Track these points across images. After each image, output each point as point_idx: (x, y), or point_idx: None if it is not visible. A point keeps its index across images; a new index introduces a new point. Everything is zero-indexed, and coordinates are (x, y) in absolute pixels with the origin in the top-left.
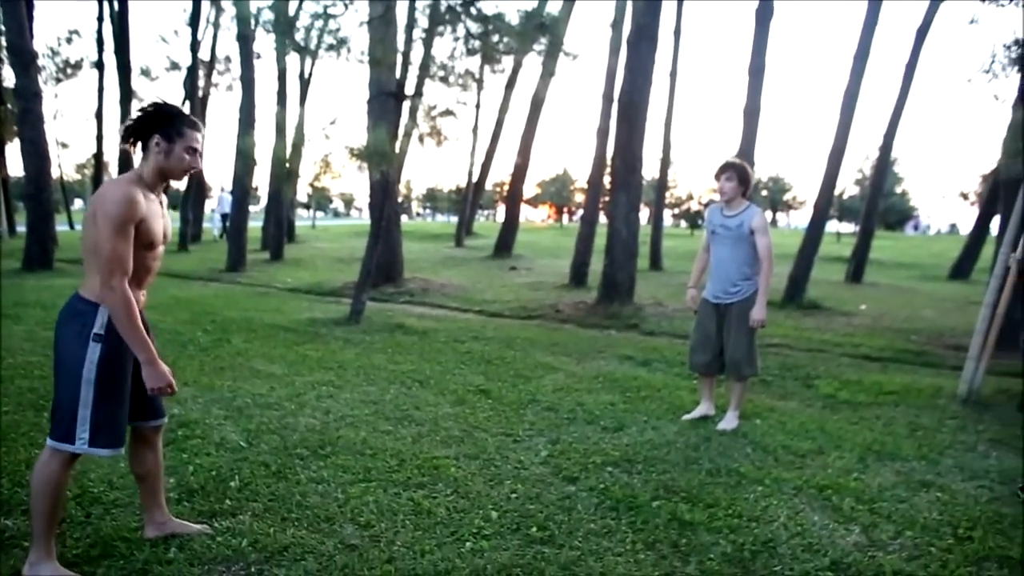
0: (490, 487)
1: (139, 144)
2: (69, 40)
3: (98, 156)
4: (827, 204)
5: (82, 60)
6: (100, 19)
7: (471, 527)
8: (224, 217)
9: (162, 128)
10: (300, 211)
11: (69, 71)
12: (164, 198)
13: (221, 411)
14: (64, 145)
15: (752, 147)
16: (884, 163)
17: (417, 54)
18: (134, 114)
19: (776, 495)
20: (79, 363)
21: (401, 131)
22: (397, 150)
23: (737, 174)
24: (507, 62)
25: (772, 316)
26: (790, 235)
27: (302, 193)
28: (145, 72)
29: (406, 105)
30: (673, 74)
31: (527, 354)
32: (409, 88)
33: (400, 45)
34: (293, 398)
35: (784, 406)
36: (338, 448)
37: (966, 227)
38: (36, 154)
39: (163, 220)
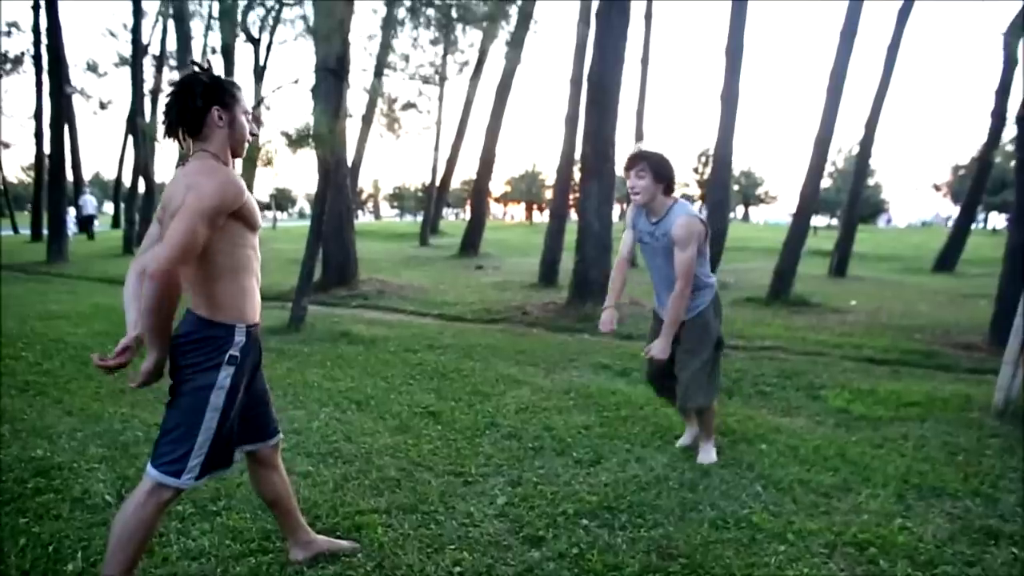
0: (426, 557)
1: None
2: (8, 33)
3: (39, 157)
4: (814, 194)
5: (23, 54)
6: (36, 8)
7: None
8: (89, 220)
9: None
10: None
11: (8, 67)
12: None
13: (100, 449)
14: (6, 145)
15: (730, 137)
16: (867, 150)
17: (375, 42)
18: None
19: (804, 557)
20: (207, 389)
21: (345, 112)
22: (351, 142)
23: (651, 167)
24: (471, 53)
25: (760, 315)
26: (764, 229)
27: (263, 193)
28: (92, 67)
29: (361, 90)
30: (645, 60)
31: (488, 365)
32: (362, 72)
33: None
34: None
35: (791, 425)
36: (235, 502)
37: (931, 219)
38: None
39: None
